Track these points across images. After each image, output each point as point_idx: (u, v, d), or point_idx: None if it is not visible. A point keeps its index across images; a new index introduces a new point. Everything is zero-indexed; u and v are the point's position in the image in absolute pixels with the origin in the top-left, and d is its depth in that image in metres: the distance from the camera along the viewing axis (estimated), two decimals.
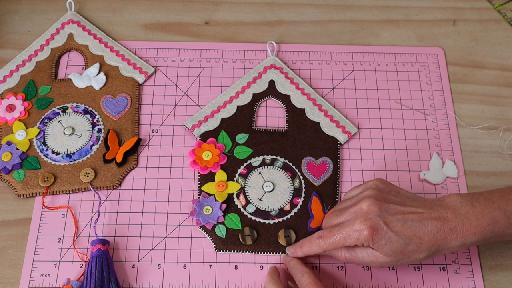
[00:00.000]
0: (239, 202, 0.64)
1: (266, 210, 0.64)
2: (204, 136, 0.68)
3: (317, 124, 0.69)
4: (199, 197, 0.64)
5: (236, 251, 0.62)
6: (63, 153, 0.66)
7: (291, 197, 0.64)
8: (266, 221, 0.63)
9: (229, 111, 0.69)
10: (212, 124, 0.68)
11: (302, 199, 0.64)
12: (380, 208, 0.53)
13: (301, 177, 0.65)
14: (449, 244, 0.53)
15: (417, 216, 0.53)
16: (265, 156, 0.67)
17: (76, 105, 0.69)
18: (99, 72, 0.72)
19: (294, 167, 0.66)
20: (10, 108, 0.68)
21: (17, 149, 0.66)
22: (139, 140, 0.67)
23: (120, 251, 0.61)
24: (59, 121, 0.68)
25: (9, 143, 0.66)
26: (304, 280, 0.55)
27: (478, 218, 0.53)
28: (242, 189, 0.65)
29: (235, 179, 0.65)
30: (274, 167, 0.66)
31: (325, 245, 0.55)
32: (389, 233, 0.52)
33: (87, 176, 0.64)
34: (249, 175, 0.65)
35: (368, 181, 0.58)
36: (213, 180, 0.65)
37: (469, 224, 0.53)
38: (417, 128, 0.70)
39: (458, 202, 0.54)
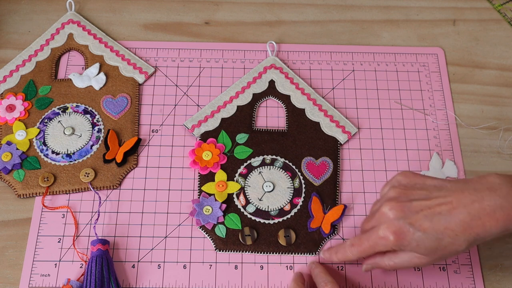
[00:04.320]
0: (239, 202, 0.64)
1: (266, 210, 0.63)
2: (204, 136, 0.68)
3: (317, 124, 0.69)
4: (199, 197, 0.64)
5: (236, 251, 0.62)
6: (63, 153, 0.66)
7: (291, 197, 0.64)
8: (266, 221, 0.63)
9: (229, 111, 0.69)
10: (212, 124, 0.68)
11: (302, 199, 0.64)
12: (402, 209, 0.50)
13: (301, 177, 0.65)
14: (489, 230, 0.48)
15: (445, 208, 0.49)
16: (265, 156, 0.67)
17: (76, 105, 0.69)
18: (99, 72, 0.72)
19: (294, 167, 0.66)
20: (10, 108, 0.68)
21: (17, 149, 0.66)
22: (139, 140, 0.67)
23: (120, 251, 0.61)
24: (59, 121, 0.68)
25: (9, 143, 0.66)
26: None
27: None
28: (242, 189, 0.65)
29: (235, 179, 0.65)
30: (274, 167, 0.66)
31: (357, 252, 0.54)
32: (417, 234, 0.49)
33: (87, 176, 0.64)
34: (249, 175, 0.65)
35: (392, 178, 0.55)
36: (213, 180, 0.65)
37: (511, 207, 0.47)
38: (417, 128, 0.70)
39: (496, 183, 0.49)
